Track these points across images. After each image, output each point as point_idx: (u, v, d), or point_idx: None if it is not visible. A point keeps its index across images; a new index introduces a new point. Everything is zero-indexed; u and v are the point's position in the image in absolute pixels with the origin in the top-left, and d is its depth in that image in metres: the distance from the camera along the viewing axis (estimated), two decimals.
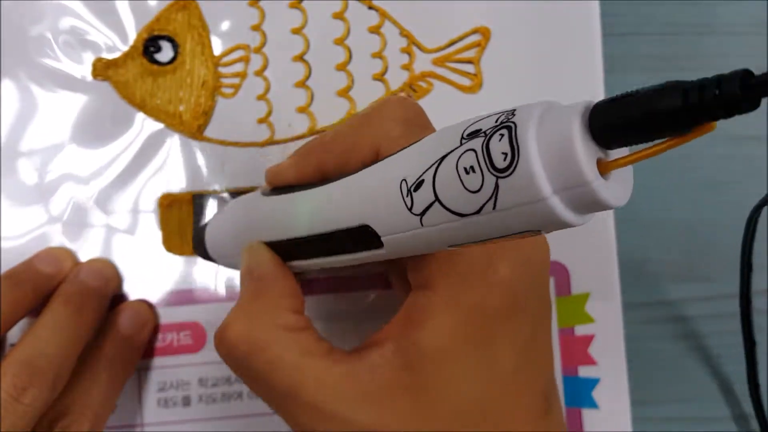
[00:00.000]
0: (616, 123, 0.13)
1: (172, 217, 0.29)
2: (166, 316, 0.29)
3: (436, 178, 0.15)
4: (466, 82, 0.30)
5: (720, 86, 0.12)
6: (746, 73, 0.12)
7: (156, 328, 0.29)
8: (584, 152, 0.13)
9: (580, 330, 0.30)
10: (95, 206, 0.29)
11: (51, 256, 0.28)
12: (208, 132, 0.29)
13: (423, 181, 0.16)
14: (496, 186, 0.14)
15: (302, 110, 0.29)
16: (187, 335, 0.29)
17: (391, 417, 0.19)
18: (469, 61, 0.30)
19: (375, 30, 0.30)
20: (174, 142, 0.29)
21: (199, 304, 0.29)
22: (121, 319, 0.28)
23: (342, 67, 0.30)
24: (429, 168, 0.15)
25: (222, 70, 0.29)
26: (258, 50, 0.29)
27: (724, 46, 0.32)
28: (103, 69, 0.29)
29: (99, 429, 0.27)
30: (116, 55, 0.29)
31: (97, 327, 0.27)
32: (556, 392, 0.22)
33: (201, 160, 0.29)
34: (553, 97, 0.29)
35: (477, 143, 0.14)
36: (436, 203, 0.15)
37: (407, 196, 0.16)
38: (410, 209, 0.16)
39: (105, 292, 0.28)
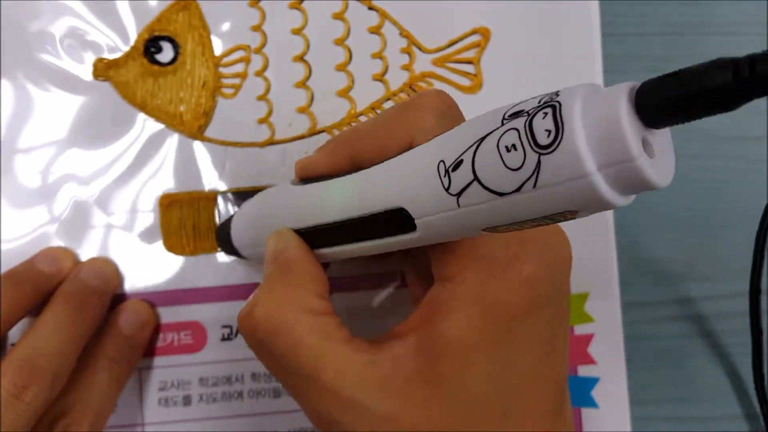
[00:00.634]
0: (664, 101, 0.13)
1: (172, 217, 0.29)
2: (166, 316, 0.29)
3: (476, 157, 0.15)
4: (466, 82, 0.30)
5: None
6: None
7: (156, 328, 0.29)
8: (630, 128, 0.13)
9: (580, 329, 0.30)
10: (96, 206, 0.29)
11: (51, 255, 0.28)
12: (209, 132, 0.29)
13: (462, 161, 0.15)
14: (538, 163, 0.14)
15: (302, 110, 0.30)
16: (187, 335, 0.29)
17: (410, 408, 0.19)
18: (468, 62, 0.30)
19: (375, 30, 0.30)
20: (174, 142, 0.29)
21: (199, 303, 0.29)
22: (122, 319, 0.28)
23: (342, 68, 0.30)
24: (468, 148, 0.15)
25: (222, 70, 0.29)
26: (258, 51, 0.29)
27: (724, 46, 0.32)
28: (104, 69, 0.29)
29: (99, 428, 0.27)
30: (117, 55, 0.29)
31: (97, 326, 0.27)
32: (567, 391, 0.22)
33: (201, 160, 0.29)
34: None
35: (519, 122, 0.14)
36: (475, 182, 0.15)
37: (444, 176, 0.16)
38: (447, 189, 0.16)
39: (105, 291, 0.28)
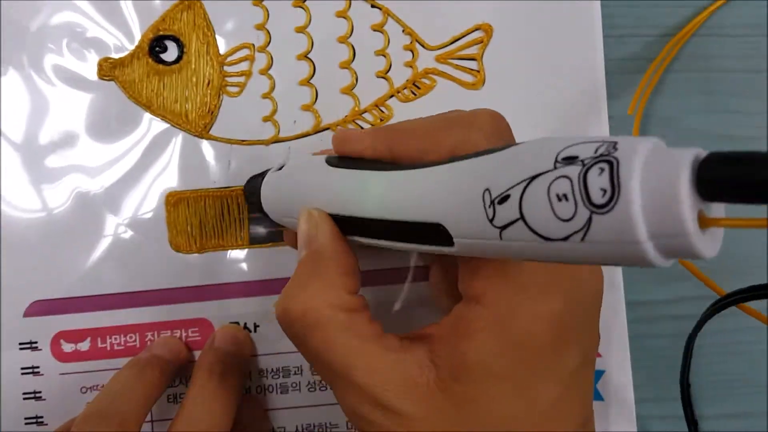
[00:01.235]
0: (730, 181, 0.13)
1: (178, 215, 0.29)
2: (174, 313, 0.29)
3: (524, 197, 0.15)
4: (468, 78, 0.30)
5: None
6: None
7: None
8: (688, 204, 0.13)
9: None
10: (102, 205, 0.29)
11: (167, 344, 0.28)
12: (214, 130, 0.29)
13: (509, 196, 0.15)
14: (590, 220, 0.14)
15: (307, 108, 0.30)
16: (195, 332, 0.29)
17: (434, 415, 0.19)
18: (471, 58, 0.30)
19: (378, 28, 0.30)
20: (180, 140, 0.29)
21: (206, 301, 0.29)
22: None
23: (346, 65, 0.30)
24: (517, 185, 0.15)
25: (227, 69, 0.29)
26: (262, 49, 0.30)
27: (723, 48, 0.32)
28: (109, 69, 0.29)
29: None
30: (122, 54, 0.29)
31: (242, 391, 0.28)
32: (593, 422, 0.22)
33: (207, 158, 0.29)
34: (554, 95, 0.30)
35: (573, 171, 0.14)
36: (521, 221, 0.15)
37: (489, 206, 0.16)
38: (491, 221, 0.16)
39: (242, 355, 0.28)
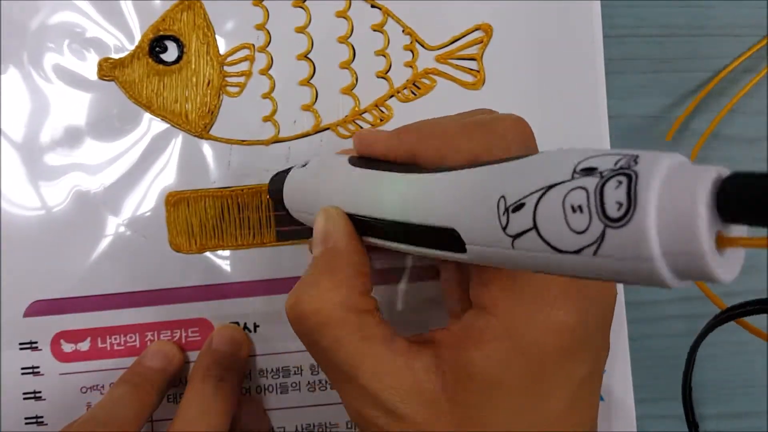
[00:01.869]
0: (749, 201, 0.12)
1: (178, 215, 0.29)
2: (174, 313, 0.29)
3: (539, 207, 0.15)
4: (468, 78, 0.30)
5: None
6: None
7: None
8: (705, 222, 0.12)
9: None
10: (102, 205, 0.29)
11: (160, 351, 0.28)
12: (214, 131, 0.29)
13: (524, 204, 0.15)
14: (603, 234, 0.13)
15: (307, 108, 0.30)
16: (195, 332, 0.29)
17: (439, 421, 0.19)
18: (471, 58, 0.30)
19: (378, 28, 0.30)
20: (180, 140, 0.29)
21: (206, 301, 0.29)
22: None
23: (346, 65, 0.30)
24: (532, 194, 0.15)
25: (227, 69, 0.29)
26: (262, 49, 0.30)
27: (723, 48, 0.32)
28: (109, 69, 0.29)
29: None
30: (122, 55, 0.29)
31: (240, 394, 0.28)
32: (596, 428, 0.22)
33: (207, 158, 0.29)
34: (554, 95, 0.30)
35: (590, 183, 0.14)
36: (533, 231, 0.15)
37: (503, 214, 0.16)
38: (504, 229, 0.16)
39: (240, 356, 0.28)
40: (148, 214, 0.29)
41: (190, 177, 0.29)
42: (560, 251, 0.14)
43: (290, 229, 0.29)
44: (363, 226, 0.22)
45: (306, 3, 0.30)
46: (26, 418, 0.29)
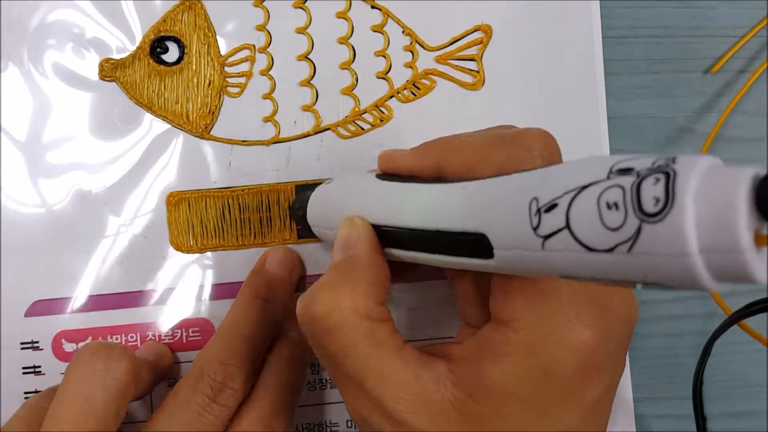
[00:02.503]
0: None
1: (179, 215, 0.29)
2: (174, 313, 0.29)
3: (572, 206, 0.15)
4: (468, 79, 0.30)
5: None
6: None
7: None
8: (745, 219, 0.12)
9: None
10: (103, 205, 0.29)
11: (280, 258, 0.28)
12: (215, 131, 0.30)
13: (556, 205, 0.15)
14: (639, 229, 0.13)
15: (307, 108, 0.30)
16: (195, 331, 0.29)
17: None
18: (471, 59, 0.30)
19: (378, 29, 0.30)
20: (181, 141, 0.29)
21: (207, 301, 0.29)
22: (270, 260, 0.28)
23: (346, 66, 0.30)
24: (566, 194, 0.15)
25: (228, 69, 0.30)
26: (263, 50, 0.30)
27: (722, 48, 0.32)
28: (110, 70, 0.29)
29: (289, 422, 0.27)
30: (123, 55, 0.29)
31: (281, 318, 0.27)
32: None
33: (208, 158, 0.30)
34: (553, 96, 0.30)
35: (626, 181, 0.14)
36: (566, 230, 0.15)
37: (535, 215, 0.16)
38: (535, 230, 0.16)
39: (291, 280, 0.28)
40: (149, 214, 0.29)
41: (191, 177, 0.29)
42: (592, 250, 0.14)
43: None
44: (387, 237, 0.22)
45: (306, 4, 0.30)
46: None
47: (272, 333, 0.27)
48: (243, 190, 0.30)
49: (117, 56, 0.29)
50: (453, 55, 0.30)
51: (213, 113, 0.30)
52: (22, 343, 0.29)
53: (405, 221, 0.21)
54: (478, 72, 0.30)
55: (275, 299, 0.27)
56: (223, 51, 0.30)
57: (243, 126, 0.30)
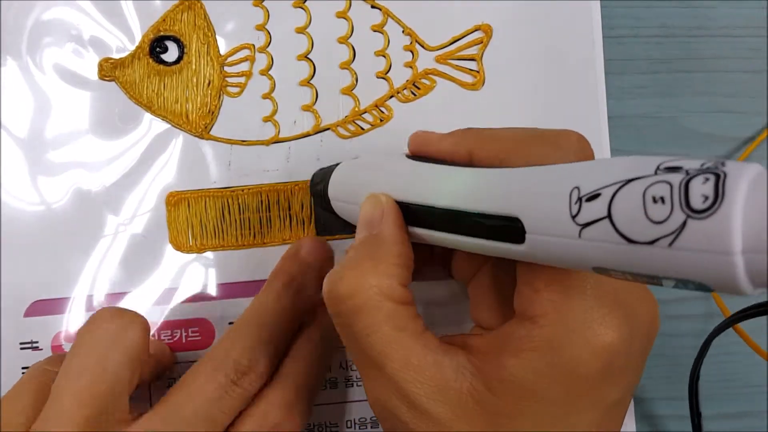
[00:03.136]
0: None
1: (179, 215, 0.29)
2: (173, 314, 0.29)
3: (616, 197, 0.15)
4: (468, 79, 0.30)
5: None
6: None
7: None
8: None
9: None
10: (103, 205, 0.29)
11: (316, 247, 0.28)
12: (214, 131, 0.30)
13: (599, 195, 0.15)
14: (684, 224, 0.13)
15: (307, 108, 0.30)
16: (195, 331, 0.29)
17: (462, 422, 0.19)
18: (471, 59, 0.30)
19: (378, 28, 0.30)
20: (180, 141, 0.29)
21: (206, 300, 0.29)
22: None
23: (346, 66, 0.30)
24: (611, 185, 0.15)
25: (227, 69, 0.30)
26: (263, 49, 0.30)
27: (722, 48, 0.32)
28: (110, 69, 0.29)
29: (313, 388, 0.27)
30: (123, 55, 0.29)
31: (309, 309, 0.27)
32: None
33: (207, 158, 0.30)
34: (553, 96, 0.30)
35: (675, 178, 0.14)
36: (606, 220, 0.15)
37: (576, 203, 0.16)
38: (574, 217, 0.16)
39: (321, 271, 0.27)
40: (149, 214, 0.29)
41: (190, 177, 0.29)
42: (632, 241, 0.14)
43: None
44: (413, 215, 0.22)
45: (306, 3, 0.30)
46: None
47: (299, 323, 0.27)
48: (243, 190, 0.29)
49: (116, 56, 0.29)
50: (453, 54, 0.30)
51: (213, 113, 0.29)
52: (21, 343, 0.29)
53: (438, 200, 0.21)
54: (478, 72, 0.30)
55: (307, 289, 0.27)
56: (222, 51, 0.30)
57: (243, 126, 0.30)
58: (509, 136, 0.21)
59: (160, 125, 0.29)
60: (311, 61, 0.30)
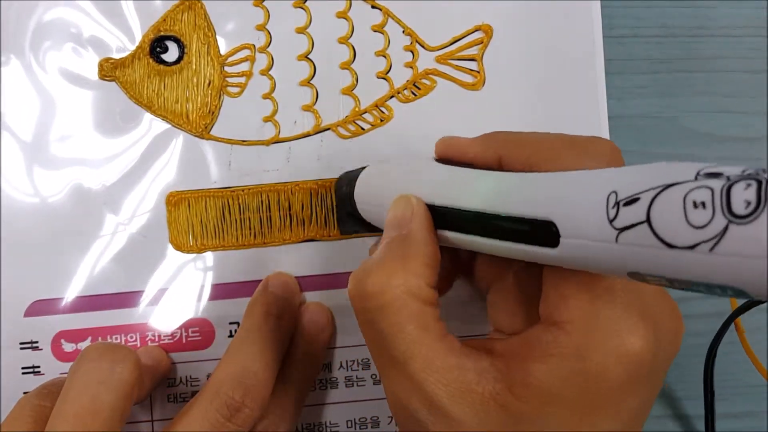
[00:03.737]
0: None
1: (179, 215, 0.29)
2: (174, 313, 0.29)
3: (655, 201, 0.15)
4: (468, 79, 0.30)
5: None
6: None
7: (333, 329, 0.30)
8: None
9: None
10: (103, 205, 0.29)
11: (283, 281, 0.29)
12: (215, 131, 0.30)
13: (638, 199, 0.15)
14: (725, 229, 0.13)
15: (307, 108, 0.30)
16: (195, 332, 0.29)
17: (483, 425, 0.19)
18: (471, 59, 0.30)
19: (378, 29, 0.30)
20: (181, 141, 0.29)
21: (206, 301, 0.29)
22: (306, 321, 0.29)
23: (346, 66, 0.30)
24: (650, 189, 0.15)
25: (228, 69, 0.30)
26: (263, 50, 0.30)
27: (722, 48, 0.32)
28: (110, 69, 0.29)
29: (292, 430, 0.27)
30: (123, 55, 0.29)
31: (291, 335, 0.28)
32: None
33: (207, 158, 0.30)
34: (554, 96, 0.30)
35: (716, 184, 0.14)
36: (645, 224, 0.15)
37: (613, 207, 0.16)
38: (611, 221, 0.16)
39: (294, 302, 0.29)
40: (149, 214, 0.29)
41: (190, 177, 0.29)
42: (671, 246, 0.14)
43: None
44: (442, 218, 0.22)
45: (306, 4, 0.30)
46: None
47: (285, 348, 0.27)
48: (243, 190, 0.29)
49: (117, 56, 0.29)
50: (453, 55, 0.30)
51: (213, 113, 0.29)
52: (21, 343, 0.29)
53: (470, 203, 0.20)
54: (478, 72, 0.30)
55: (285, 316, 0.28)
56: (223, 51, 0.30)
57: (243, 126, 0.30)
58: (539, 142, 0.21)
59: (160, 125, 0.29)
60: (311, 61, 0.30)
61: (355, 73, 0.30)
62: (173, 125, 0.29)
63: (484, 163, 0.22)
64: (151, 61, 0.29)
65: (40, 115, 0.29)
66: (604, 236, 0.16)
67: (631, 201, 0.15)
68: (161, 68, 0.29)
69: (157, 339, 0.29)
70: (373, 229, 0.26)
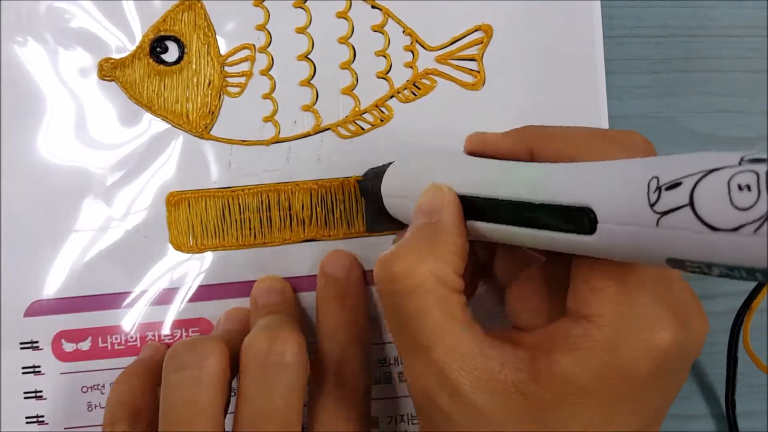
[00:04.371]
0: None
1: (179, 215, 0.29)
2: (174, 313, 0.29)
3: (699, 185, 0.15)
4: (469, 79, 0.30)
5: None
6: None
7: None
8: None
9: None
10: (103, 205, 0.29)
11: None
12: (215, 131, 0.30)
13: (680, 183, 0.15)
14: None
15: (307, 108, 0.30)
16: (195, 331, 0.29)
17: (505, 413, 0.19)
18: (471, 59, 0.30)
19: (378, 28, 0.30)
20: (181, 141, 0.29)
21: (206, 300, 0.29)
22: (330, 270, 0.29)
23: (346, 66, 0.30)
24: (693, 174, 0.15)
25: (228, 69, 0.30)
26: (263, 50, 0.30)
27: (721, 48, 0.32)
28: (110, 69, 0.29)
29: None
30: (123, 55, 0.29)
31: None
32: None
33: (207, 158, 0.30)
34: (554, 94, 0.30)
35: (762, 168, 0.14)
36: (687, 208, 0.15)
37: (654, 191, 0.16)
38: (652, 205, 0.15)
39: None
40: (149, 214, 0.29)
41: (190, 177, 0.29)
42: (715, 228, 0.14)
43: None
44: (474, 208, 0.22)
45: (306, 3, 0.30)
46: (27, 418, 0.29)
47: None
48: (243, 190, 0.29)
49: (116, 56, 0.29)
50: (453, 54, 0.30)
51: (213, 113, 0.29)
52: (21, 343, 0.29)
53: (503, 192, 0.20)
54: (478, 72, 0.30)
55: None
56: (223, 51, 0.30)
57: (243, 126, 0.30)
58: (572, 134, 0.21)
59: (160, 125, 0.29)
60: (311, 61, 0.30)
61: (355, 73, 0.30)
62: (173, 125, 0.29)
63: (516, 157, 0.22)
64: (151, 61, 0.29)
65: (40, 116, 0.29)
66: (645, 220, 0.16)
67: (674, 185, 0.15)
68: (161, 68, 0.29)
69: (157, 339, 0.29)
70: (400, 225, 0.26)
